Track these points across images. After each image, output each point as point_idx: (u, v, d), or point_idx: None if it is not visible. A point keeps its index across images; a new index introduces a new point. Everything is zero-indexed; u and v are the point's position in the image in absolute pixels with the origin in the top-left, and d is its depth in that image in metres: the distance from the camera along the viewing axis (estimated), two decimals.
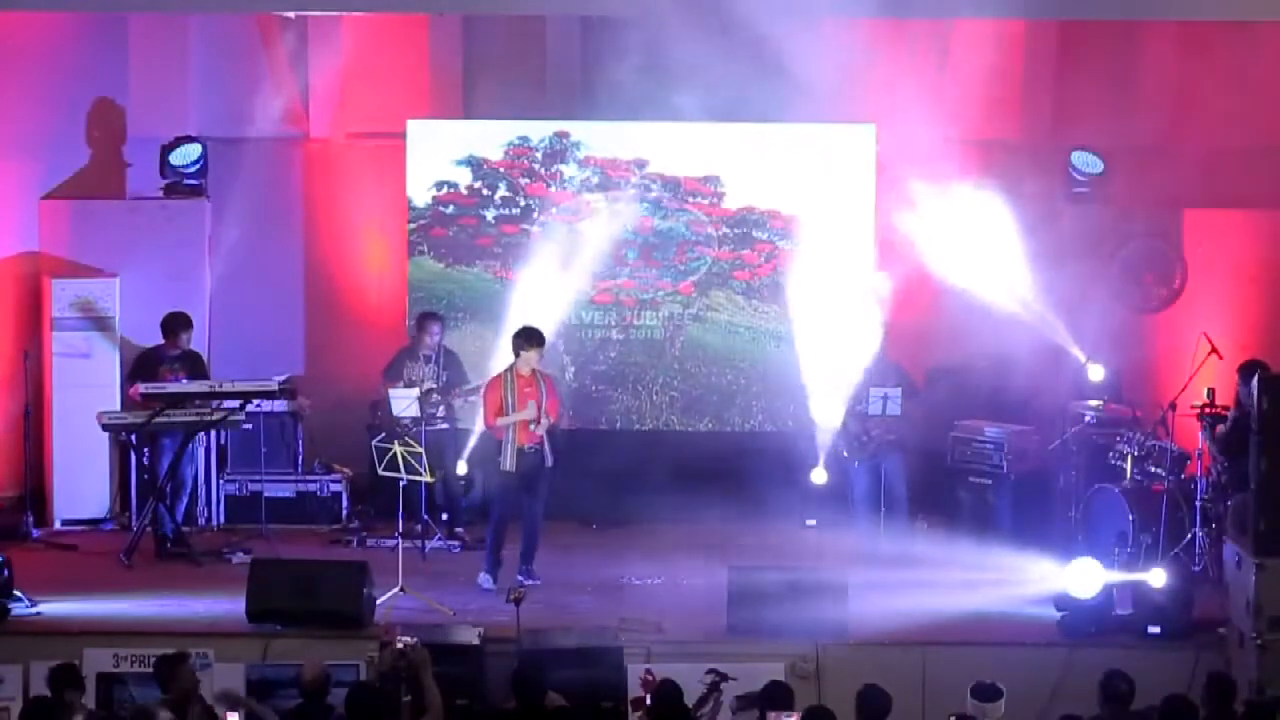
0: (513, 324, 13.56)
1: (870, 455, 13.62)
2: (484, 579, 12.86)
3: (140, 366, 13.97)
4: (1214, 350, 13.49)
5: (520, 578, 12.78)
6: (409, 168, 15.25)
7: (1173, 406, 13.43)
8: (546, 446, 12.94)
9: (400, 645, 10.59)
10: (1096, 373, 14.18)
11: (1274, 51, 15.05)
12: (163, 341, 13.97)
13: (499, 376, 13.05)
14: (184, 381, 13.76)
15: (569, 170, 15.32)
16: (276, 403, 14.52)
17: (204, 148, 15.04)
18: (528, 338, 12.96)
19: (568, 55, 15.41)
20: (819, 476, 14.06)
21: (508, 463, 12.89)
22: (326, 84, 15.51)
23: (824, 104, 15.35)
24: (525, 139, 15.29)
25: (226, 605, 11.99)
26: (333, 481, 14.78)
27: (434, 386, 13.88)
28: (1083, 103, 15.43)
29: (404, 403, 13.60)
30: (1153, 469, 13.36)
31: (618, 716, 10.93)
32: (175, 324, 13.94)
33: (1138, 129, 15.40)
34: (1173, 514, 13.06)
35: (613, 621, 11.67)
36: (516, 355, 12.92)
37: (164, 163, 15.02)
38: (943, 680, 10.98)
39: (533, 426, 12.82)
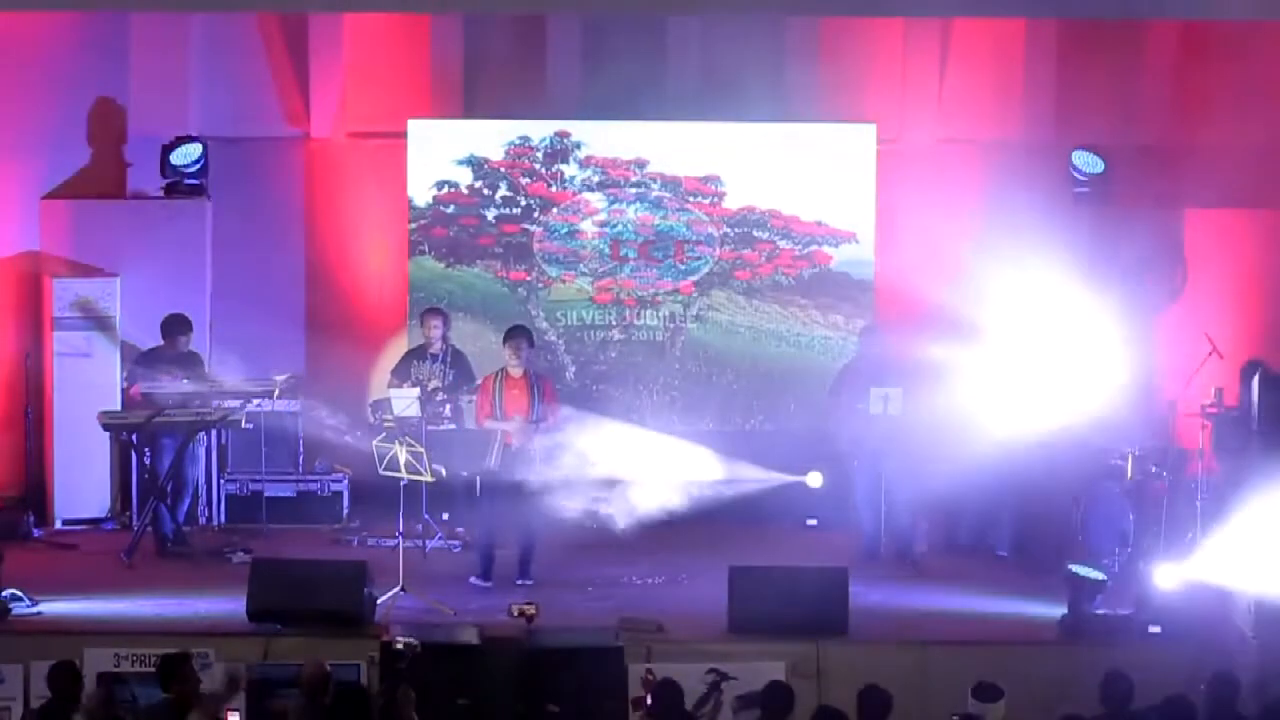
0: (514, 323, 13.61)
1: (871, 455, 13.60)
2: (476, 580, 12.81)
3: (139, 367, 13.96)
4: (1215, 350, 13.49)
5: (519, 582, 12.75)
6: (409, 167, 15.26)
7: (1173, 406, 13.42)
8: (534, 449, 12.86)
9: (400, 645, 10.62)
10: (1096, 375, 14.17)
11: (1274, 51, 15.05)
12: (161, 343, 13.97)
13: (490, 377, 13.10)
14: (183, 382, 13.76)
15: (569, 170, 15.32)
16: (277, 402, 14.52)
17: (204, 147, 15.03)
18: (508, 330, 13.12)
19: (568, 55, 15.41)
20: (814, 480, 14.06)
21: (495, 462, 12.89)
22: (327, 84, 15.50)
23: (824, 104, 15.40)
24: (526, 139, 15.30)
25: (227, 605, 11.98)
26: (333, 481, 14.78)
27: (439, 385, 13.87)
28: (1083, 103, 15.43)
29: (404, 402, 13.56)
30: (1153, 469, 13.36)
31: (618, 716, 10.92)
32: (173, 327, 13.92)
33: (1139, 129, 15.41)
34: (1173, 514, 13.05)
35: (613, 621, 11.66)
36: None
37: (164, 162, 15.01)
38: (943, 680, 10.97)
39: (513, 441, 12.83)
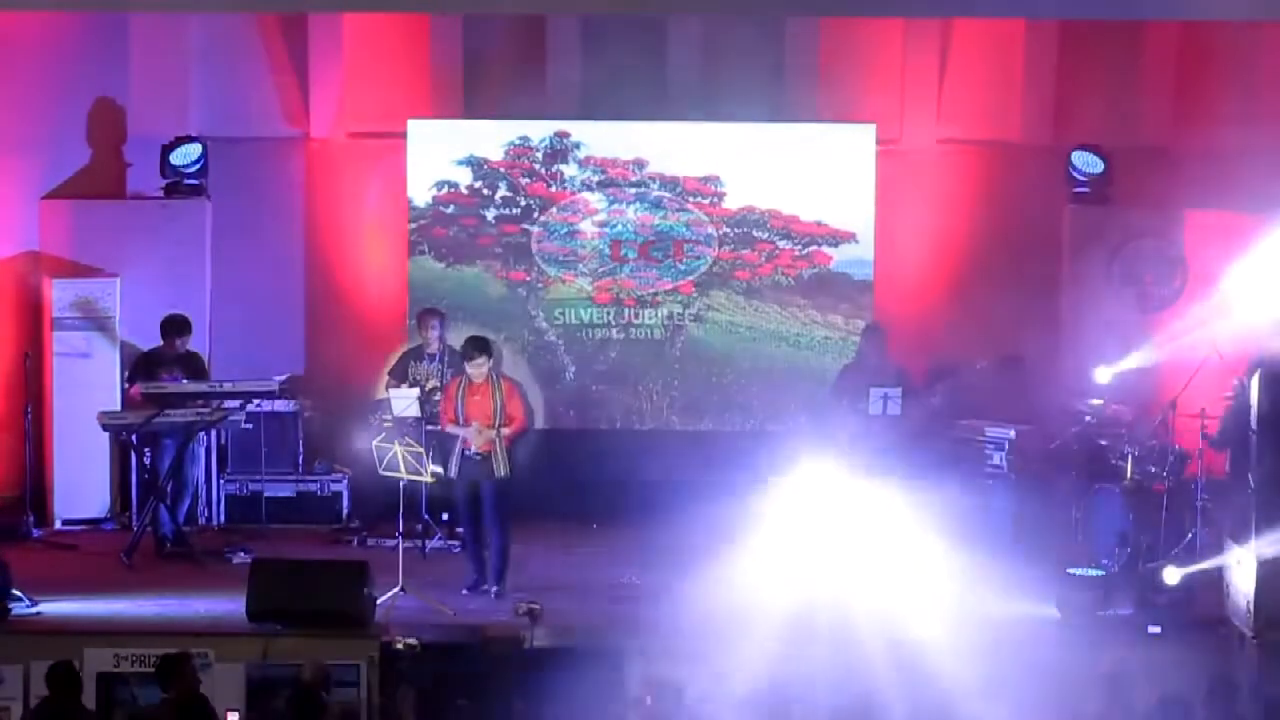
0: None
1: (871, 455, 13.59)
2: (465, 592, 12.65)
3: (139, 367, 13.99)
4: (1215, 351, 13.47)
5: (494, 590, 12.49)
6: (409, 167, 15.26)
7: (1173, 406, 13.43)
8: (498, 456, 12.61)
9: (400, 645, 10.63)
10: (1103, 375, 14.18)
11: (1275, 52, 15.05)
12: (161, 344, 13.99)
13: (455, 381, 12.92)
14: (183, 382, 13.77)
15: (569, 170, 15.32)
16: (277, 403, 14.53)
17: (204, 148, 15.03)
18: (469, 345, 12.77)
19: (568, 55, 15.41)
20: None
21: (454, 469, 12.70)
22: (326, 84, 15.50)
23: (824, 104, 15.40)
24: (525, 139, 15.30)
25: (226, 605, 11.98)
26: (333, 481, 14.78)
27: (438, 385, 13.86)
28: (1083, 103, 15.44)
29: (404, 403, 13.57)
30: (1153, 469, 13.35)
31: (618, 717, 10.92)
32: (172, 328, 13.93)
33: (1138, 129, 15.42)
34: (1173, 514, 13.05)
35: (612, 621, 11.64)
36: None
37: (164, 162, 15.02)
38: (943, 680, 10.96)
39: (473, 446, 12.59)
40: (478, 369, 12.67)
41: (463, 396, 12.71)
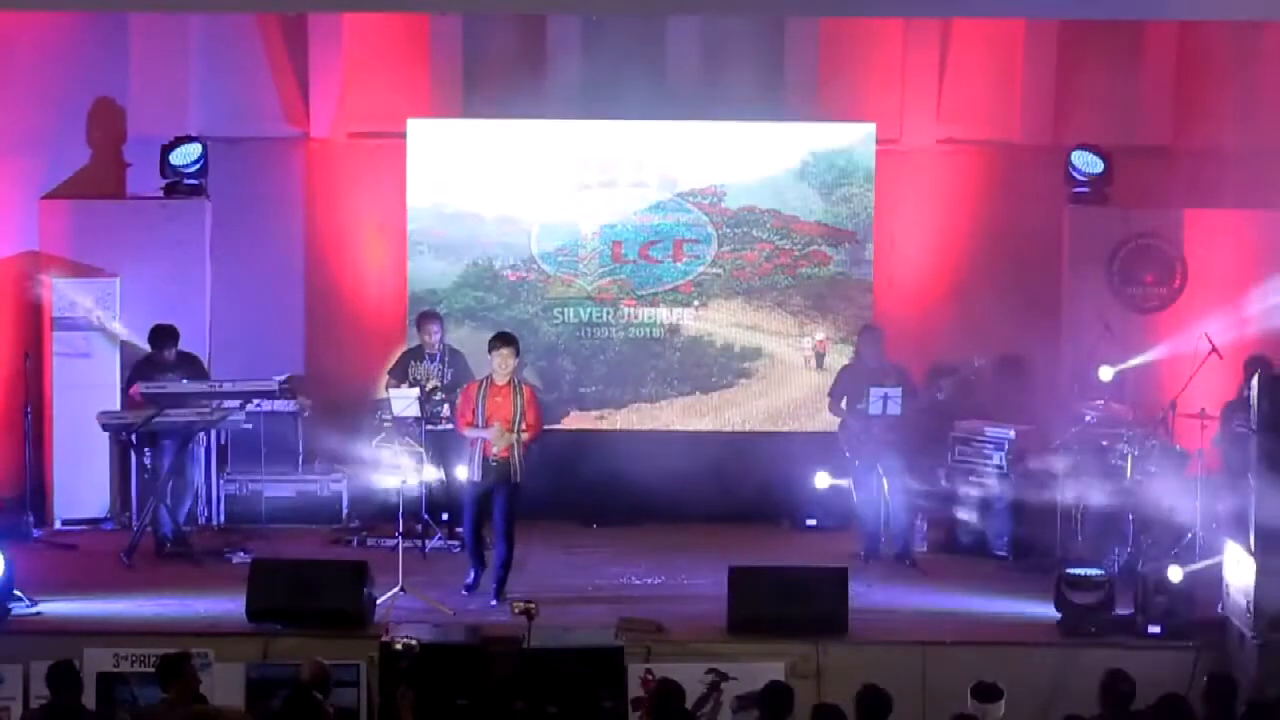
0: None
1: (870, 455, 13.60)
2: (465, 586, 12.62)
3: (139, 371, 13.98)
4: (1214, 350, 13.49)
5: (492, 603, 12.35)
6: (409, 168, 15.26)
7: (1173, 406, 13.43)
8: (515, 461, 12.45)
9: (399, 645, 10.62)
10: (1106, 374, 14.18)
11: (1274, 51, 15.05)
12: (151, 351, 13.99)
13: (475, 383, 12.76)
14: (184, 382, 13.77)
15: (569, 170, 15.31)
16: (276, 403, 14.52)
17: (204, 148, 15.03)
18: (496, 338, 12.66)
19: (568, 55, 15.41)
20: (821, 481, 14.07)
21: (475, 473, 12.50)
22: (327, 84, 15.51)
23: (824, 104, 15.40)
24: (526, 139, 15.29)
25: (226, 605, 11.98)
26: (333, 481, 14.78)
27: (438, 385, 13.86)
28: (1083, 103, 15.44)
29: (403, 403, 13.57)
30: (1153, 469, 13.35)
31: (618, 716, 10.93)
32: (160, 338, 13.86)
33: (1138, 129, 15.42)
34: (1172, 514, 13.04)
35: (613, 621, 11.66)
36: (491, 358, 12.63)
37: (164, 163, 15.02)
38: (943, 680, 10.98)
39: (494, 448, 12.45)
40: (503, 360, 12.47)
41: (483, 398, 12.51)
